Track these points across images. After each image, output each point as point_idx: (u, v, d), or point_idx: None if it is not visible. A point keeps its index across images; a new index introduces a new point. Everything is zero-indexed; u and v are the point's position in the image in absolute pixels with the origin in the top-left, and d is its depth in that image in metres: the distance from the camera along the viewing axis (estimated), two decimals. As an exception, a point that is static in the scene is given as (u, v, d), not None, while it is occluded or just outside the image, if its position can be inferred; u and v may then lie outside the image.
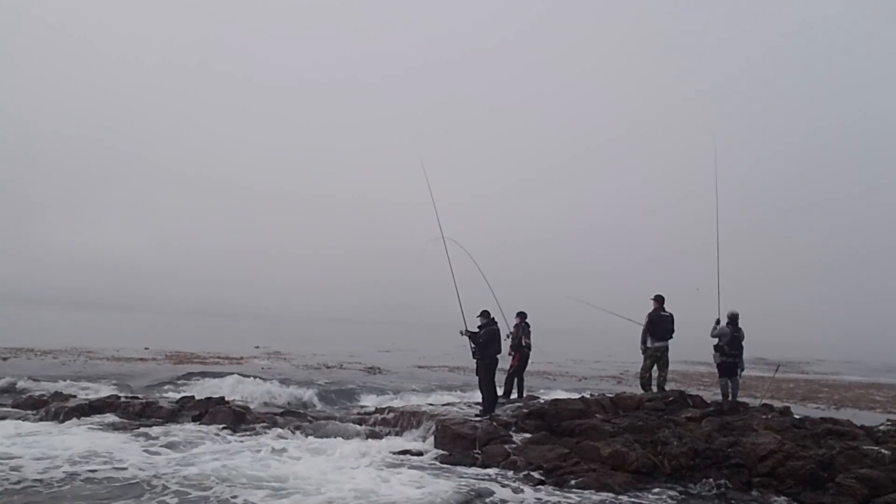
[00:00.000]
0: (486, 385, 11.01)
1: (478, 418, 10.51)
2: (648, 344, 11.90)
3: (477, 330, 11.17)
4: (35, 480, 7.09)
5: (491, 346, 11.09)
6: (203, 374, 15.78)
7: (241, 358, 18.29)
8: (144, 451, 8.58)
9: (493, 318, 11.32)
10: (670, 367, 12.43)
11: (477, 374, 11.29)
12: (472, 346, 11.12)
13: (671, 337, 11.90)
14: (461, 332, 11.21)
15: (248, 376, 15.32)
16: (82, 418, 10.44)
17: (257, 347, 31.05)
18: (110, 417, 10.66)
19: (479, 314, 11.31)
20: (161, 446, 8.91)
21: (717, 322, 11.66)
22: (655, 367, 12.09)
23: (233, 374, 15.44)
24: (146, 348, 23.19)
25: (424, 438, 10.19)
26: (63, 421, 10.29)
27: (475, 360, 11.19)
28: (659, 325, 11.76)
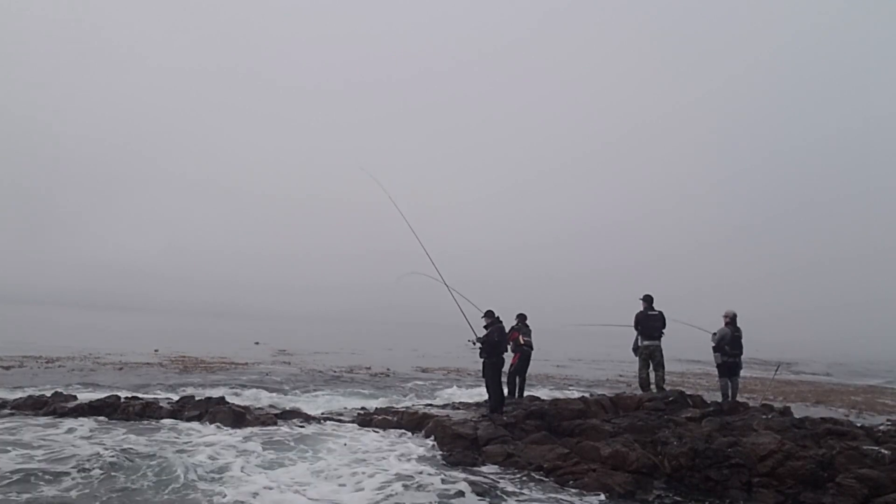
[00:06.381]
0: (493, 384, 11.05)
1: (479, 418, 10.53)
2: (639, 343, 12.07)
3: (485, 331, 11.21)
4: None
5: (501, 344, 11.16)
6: (205, 385, 15.17)
7: (246, 364, 18.39)
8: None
9: (498, 317, 11.38)
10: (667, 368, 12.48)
11: (483, 375, 11.34)
12: (482, 346, 11.15)
13: (661, 335, 12.02)
14: (472, 342, 11.23)
15: (251, 387, 14.94)
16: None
17: (257, 343, 31.27)
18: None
19: (483, 314, 11.36)
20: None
21: (715, 334, 11.81)
22: (651, 367, 12.16)
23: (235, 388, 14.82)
24: (156, 350, 23.43)
25: (426, 439, 10.20)
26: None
27: (482, 360, 11.24)
28: (646, 325, 11.96)
